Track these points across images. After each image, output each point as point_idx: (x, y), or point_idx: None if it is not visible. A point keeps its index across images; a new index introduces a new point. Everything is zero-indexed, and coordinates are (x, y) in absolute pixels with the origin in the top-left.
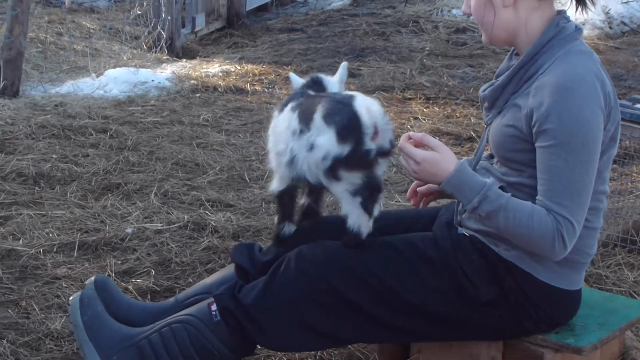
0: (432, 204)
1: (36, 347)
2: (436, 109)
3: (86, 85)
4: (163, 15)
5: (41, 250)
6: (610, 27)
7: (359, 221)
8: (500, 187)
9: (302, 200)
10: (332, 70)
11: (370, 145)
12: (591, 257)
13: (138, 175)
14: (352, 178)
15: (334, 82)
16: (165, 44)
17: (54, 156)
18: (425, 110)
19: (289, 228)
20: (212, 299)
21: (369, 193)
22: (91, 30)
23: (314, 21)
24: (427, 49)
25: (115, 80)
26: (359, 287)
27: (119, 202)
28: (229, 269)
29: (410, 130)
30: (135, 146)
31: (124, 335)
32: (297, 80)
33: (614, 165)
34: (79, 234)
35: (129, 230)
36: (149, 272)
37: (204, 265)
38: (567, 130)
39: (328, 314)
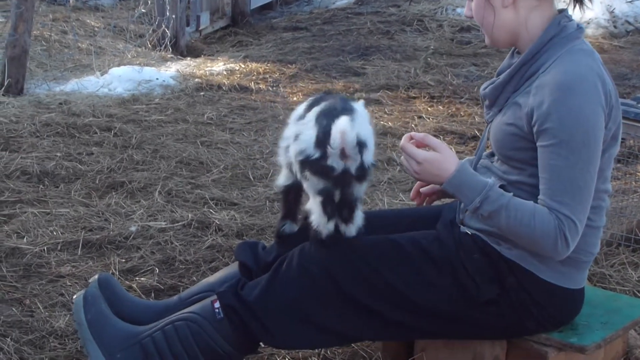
0: (436, 203)
1: (40, 345)
2: (440, 107)
3: (90, 84)
4: (167, 13)
5: (45, 248)
6: (615, 27)
7: (318, 220)
8: (501, 187)
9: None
10: (337, 69)
11: (337, 163)
12: (594, 256)
13: (142, 173)
14: (316, 182)
15: None
16: (170, 43)
17: (58, 154)
18: (429, 109)
19: (291, 227)
20: (215, 297)
21: (331, 202)
22: (96, 29)
23: (318, 20)
24: (432, 47)
25: (120, 78)
26: (362, 284)
27: (123, 201)
28: (233, 267)
29: (414, 129)
30: (139, 144)
31: (128, 334)
32: None
33: (618, 165)
34: (83, 232)
35: (133, 228)
36: (152, 270)
37: (207, 263)
38: (567, 129)
39: (330, 312)
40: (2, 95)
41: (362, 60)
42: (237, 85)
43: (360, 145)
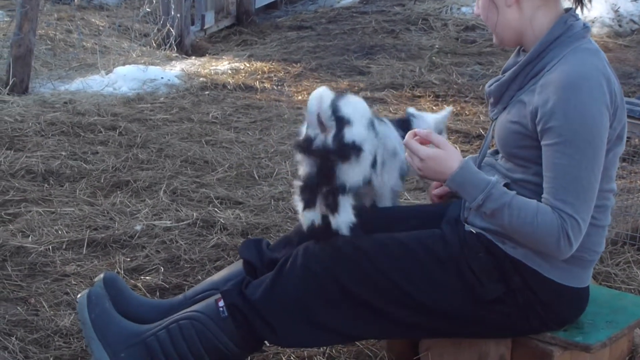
0: None
1: (45, 344)
2: (445, 106)
3: (95, 83)
4: (172, 12)
5: (50, 247)
6: (620, 25)
7: (297, 209)
8: (506, 185)
9: None
10: (341, 68)
11: (314, 133)
12: (599, 255)
13: (147, 172)
14: (301, 162)
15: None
16: (175, 42)
17: (63, 153)
18: (434, 108)
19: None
20: (219, 295)
21: (311, 187)
22: (100, 28)
23: (323, 19)
24: (437, 46)
25: (125, 77)
26: (366, 283)
27: (128, 200)
28: (237, 266)
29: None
30: (144, 143)
31: (132, 332)
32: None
33: (623, 164)
34: (88, 231)
35: (138, 227)
36: (157, 269)
37: (212, 262)
38: (572, 128)
39: (335, 310)
40: (7, 94)
41: (367, 59)
42: (241, 84)
43: (341, 119)
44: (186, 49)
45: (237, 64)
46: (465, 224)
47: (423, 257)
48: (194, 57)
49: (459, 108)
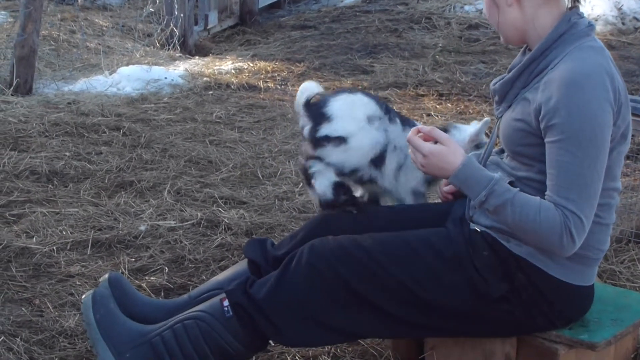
0: None
1: (50, 345)
2: (449, 105)
3: (99, 83)
4: (176, 12)
5: (55, 248)
6: (623, 23)
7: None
8: (510, 183)
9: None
10: (345, 67)
11: (303, 125)
12: (603, 253)
13: (151, 172)
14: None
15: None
16: (178, 42)
17: (67, 154)
18: (438, 106)
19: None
20: (224, 295)
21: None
22: (104, 28)
23: (326, 18)
24: (440, 45)
25: (128, 77)
26: (371, 282)
27: (132, 200)
28: (241, 265)
29: None
30: (148, 144)
31: (137, 333)
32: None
33: (627, 161)
34: (92, 232)
35: (142, 227)
36: (162, 269)
37: (217, 262)
38: (575, 125)
39: (340, 309)
40: (11, 95)
41: (370, 58)
42: (245, 84)
43: (321, 115)
44: (190, 49)
45: (240, 64)
46: (470, 223)
47: (428, 255)
48: (197, 57)
49: (462, 107)
